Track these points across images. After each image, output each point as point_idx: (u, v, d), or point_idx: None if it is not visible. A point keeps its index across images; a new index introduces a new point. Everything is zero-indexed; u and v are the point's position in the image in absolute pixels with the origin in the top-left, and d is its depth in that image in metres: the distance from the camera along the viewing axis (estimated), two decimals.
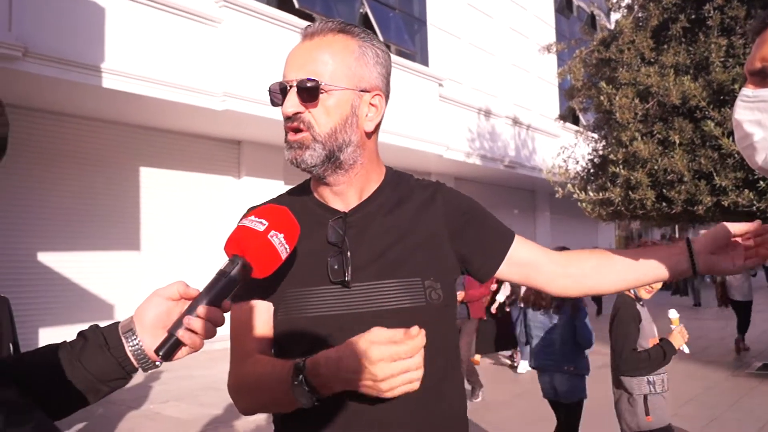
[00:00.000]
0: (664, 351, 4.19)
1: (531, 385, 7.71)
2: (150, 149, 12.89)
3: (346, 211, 1.67)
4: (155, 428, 7.33)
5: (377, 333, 1.32)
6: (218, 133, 13.58)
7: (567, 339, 5.62)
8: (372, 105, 1.65)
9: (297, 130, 1.58)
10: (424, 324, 1.42)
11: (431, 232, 1.69)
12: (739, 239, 1.72)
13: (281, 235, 1.40)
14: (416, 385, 1.33)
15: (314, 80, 1.54)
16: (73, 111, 11.45)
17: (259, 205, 1.63)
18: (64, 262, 11.49)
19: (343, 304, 1.57)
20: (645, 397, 4.26)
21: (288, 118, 1.58)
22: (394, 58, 15.67)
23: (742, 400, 8.17)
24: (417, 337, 1.32)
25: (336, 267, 1.58)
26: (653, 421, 4.29)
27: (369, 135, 1.68)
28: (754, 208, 8.27)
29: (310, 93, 1.55)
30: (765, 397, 8.31)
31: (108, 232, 12.13)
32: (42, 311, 10.98)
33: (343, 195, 1.67)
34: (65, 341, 1.29)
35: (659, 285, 4.09)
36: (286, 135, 1.62)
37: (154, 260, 12.56)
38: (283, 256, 1.41)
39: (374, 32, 15.44)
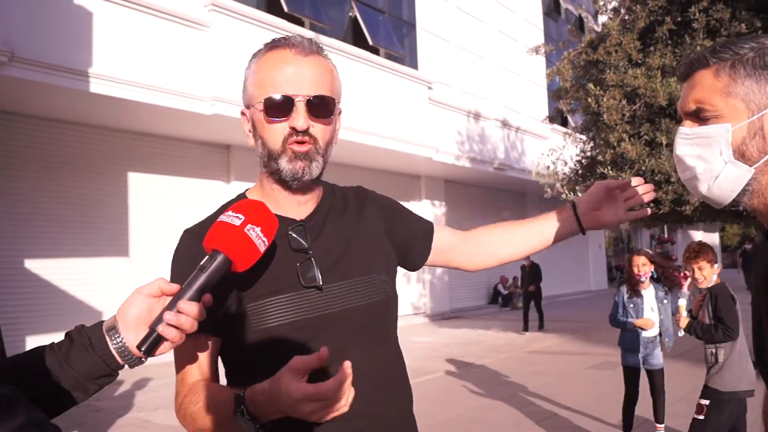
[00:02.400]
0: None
1: None
2: (138, 154, 12.85)
3: (300, 219, 1.71)
4: None
5: (293, 376, 1.35)
6: (207, 137, 13.54)
7: None
8: (338, 120, 1.76)
9: (302, 142, 1.62)
10: (382, 316, 1.72)
11: (373, 231, 1.82)
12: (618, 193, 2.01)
13: (258, 229, 1.43)
14: (345, 409, 1.37)
15: (331, 98, 1.65)
16: (61, 116, 11.40)
17: (236, 200, 1.71)
18: (53, 269, 11.44)
19: (317, 306, 1.61)
20: None
21: (295, 131, 1.61)
22: (384, 61, 15.70)
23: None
24: (342, 376, 1.34)
25: (306, 272, 1.62)
26: None
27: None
28: (741, 207, 8.32)
29: (322, 109, 1.63)
30: (756, 394, 8.34)
31: (96, 238, 12.08)
32: (30, 318, 10.93)
33: (305, 203, 1.74)
34: (52, 343, 1.32)
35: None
36: (284, 146, 1.63)
37: (143, 266, 12.49)
38: (262, 249, 1.44)
39: (363, 36, 15.51)
